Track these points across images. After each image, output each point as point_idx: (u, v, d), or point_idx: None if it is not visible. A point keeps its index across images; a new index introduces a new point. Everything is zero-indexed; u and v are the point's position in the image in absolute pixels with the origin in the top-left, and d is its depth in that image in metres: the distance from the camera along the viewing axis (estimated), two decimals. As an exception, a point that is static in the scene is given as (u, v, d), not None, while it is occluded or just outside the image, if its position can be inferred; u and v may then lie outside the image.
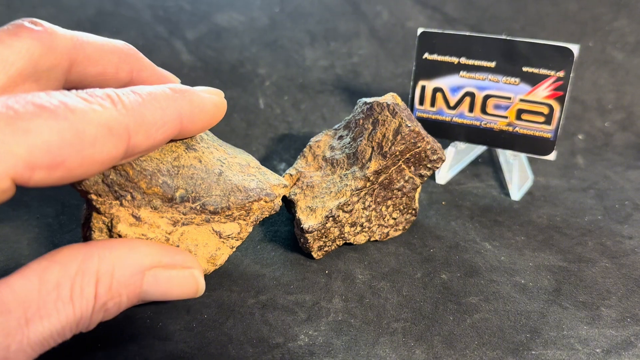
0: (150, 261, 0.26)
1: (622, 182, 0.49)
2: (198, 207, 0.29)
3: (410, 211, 0.39)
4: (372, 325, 0.31)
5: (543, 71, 0.43)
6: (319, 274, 0.35)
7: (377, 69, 0.64)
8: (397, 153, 0.35)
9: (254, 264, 0.36)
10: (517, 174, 0.46)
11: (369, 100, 0.36)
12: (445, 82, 0.46)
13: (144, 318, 0.31)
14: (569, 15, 0.62)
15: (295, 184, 0.37)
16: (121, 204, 0.28)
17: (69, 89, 0.26)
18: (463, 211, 0.43)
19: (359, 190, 0.35)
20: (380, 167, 0.35)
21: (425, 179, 0.37)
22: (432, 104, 0.47)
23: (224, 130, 0.56)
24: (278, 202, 0.32)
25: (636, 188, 0.48)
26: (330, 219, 0.35)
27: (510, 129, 0.45)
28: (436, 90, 0.46)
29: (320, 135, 0.39)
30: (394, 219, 0.38)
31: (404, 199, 0.38)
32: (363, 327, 0.30)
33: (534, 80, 0.43)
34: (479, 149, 0.51)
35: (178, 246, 0.30)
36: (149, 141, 0.24)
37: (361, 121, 0.36)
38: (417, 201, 0.39)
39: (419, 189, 0.39)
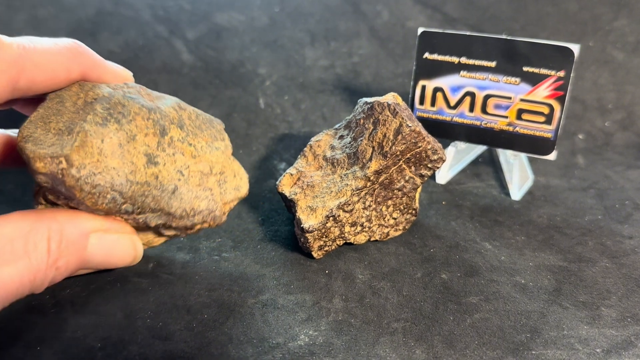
0: (93, 225, 0.29)
1: (623, 182, 0.49)
2: (140, 220, 0.30)
3: (410, 211, 0.39)
4: (373, 325, 0.31)
5: (543, 71, 0.43)
6: (319, 273, 0.35)
7: (378, 68, 0.64)
8: (398, 153, 0.35)
9: (254, 264, 0.36)
10: (518, 173, 0.46)
11: (369, 100, 0.36)
12: (445, 82, 0.46)
13: (144, 318, 0.31)
14: (569, 15, 0.62)
15: (295, 183, 0.37)
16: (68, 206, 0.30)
17: (17, 97, 0.28)
18: (463, 211, 0.43)
19: (359, 190, 0.35)
20: (380, 167, 0.35)
21: (426, 178, 0.37)
22: (433, 103, 0.47)
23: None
24: (224, 219, 0.33)
25: (636, 188, 0.48)
26: (331, 218, 0.35)
27: (511, 128, 0.45)
28: (436, 90, 0.46)
29: (321, 134, 0.39)
30: (394, 218, 0.38)
31: (404, 198, 0.38)
32: (363, 327, 0.30)
33: (534, 80, 0.43)
34: (479, 148, 0.51)
35: None
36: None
37: (362, 121, 0.36)
38: (417, 201, 0.39)
39: (419, 189, 0.39)
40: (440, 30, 0.45)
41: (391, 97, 0.36)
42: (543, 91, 0.43)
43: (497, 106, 0.45)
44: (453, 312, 0.32)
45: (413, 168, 0.36)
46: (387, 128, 0.35)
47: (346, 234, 0.36)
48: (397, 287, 0.34)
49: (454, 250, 0.38)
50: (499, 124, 0.45)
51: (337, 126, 0.39)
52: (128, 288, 0.33)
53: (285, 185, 0.37)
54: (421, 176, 0.37)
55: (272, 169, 0.49)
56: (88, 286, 0.33)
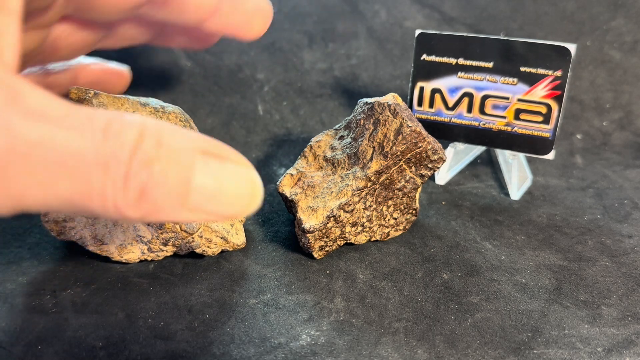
0: (202, 144, 0.20)
1: (621, 181, 0.50)
2: None
3: (410, 211, 0.39)
4: (374, 325, 0.31)
5: (541, 71, 0.43)
6: (320, 274, 0.35)
7: (376, 70, 0.64)
8: (398, 153, 0.35)
9: (255, 264, 0.36)
10: (516, 173, 0.46)
11: (369, 100, 0.36)
12: (443, 83, 0.46)
13: (146, 317, 0.31)
14: (567, 14, 0.62)
15: (296, 184, 0.37)
16: None
17: (73, 13, 0.27)
18: (463, 211, 0.43)
19: (360, 190, 0.35)
20: (381, 167, 0.35)
21: (426, 179, 0.37)
22: (431, 105, 0.47)
23: (224, 139, 0.56)
24: (197, 239, 0.34)
25: (635, 187, 0.48)
26: (332, 218, 0.35)
27: (509, 129, 0.45)
28: (434, 91, 0.46)
29: (321, 135, 0.39)
30: (395, 218, 0.38)
31: (404, 198, 0.38)
32: (365, 326, 0.30)
33: (531, 80, 0.43)
34: (478, 149, 0.51)
35: None
36: None
37: (362, 121, 0.36)
38: (417, 201, 0.39)
39: (419, 189, 0.39)
40: (438, 32, 0.45)
41: (391, 98, 0.36)
42: (540, 91, 0.43)
43: (495, 107, 0.45)
44: (454, 311, 0.32)
45: (413, 168, 0.37)
46: (387, 128, 0.35)
47: (347, 234, 0.36)
48: (398, 287, 0.34)
49: (454, 250, 0.38)
50: (497, 124, 0.45)
51: (337, 126, 0.39)
52: (129, 288, 0.33)
53: (286, 185, 0.37)
54: (421, 176, 0.37)
55: (272, 174, 0.49)
56: (89, 286, 0.33)
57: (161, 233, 0.33)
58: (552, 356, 0.29)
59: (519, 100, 0.44)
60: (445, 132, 0.47)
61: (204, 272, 0.35)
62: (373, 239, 0.38)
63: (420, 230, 0.40)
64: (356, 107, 0.38)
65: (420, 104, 0.47)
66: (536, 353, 0.29)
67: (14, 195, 0.17)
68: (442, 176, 0.48)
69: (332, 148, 0.38)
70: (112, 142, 0.18)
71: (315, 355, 0.28)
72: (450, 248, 0.38)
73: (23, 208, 0.18)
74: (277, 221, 0.41)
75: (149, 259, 0.35)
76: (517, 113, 0.44)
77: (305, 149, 0.38)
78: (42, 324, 0.30)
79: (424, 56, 0.46)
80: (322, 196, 0.36)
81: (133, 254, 0.35)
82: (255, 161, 0.52)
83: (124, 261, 0.35)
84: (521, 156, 0.48)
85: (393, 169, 0.36)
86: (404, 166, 0.36)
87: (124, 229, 0.34)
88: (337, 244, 0.36)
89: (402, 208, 0.38)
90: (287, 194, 0.37)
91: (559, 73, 0.42)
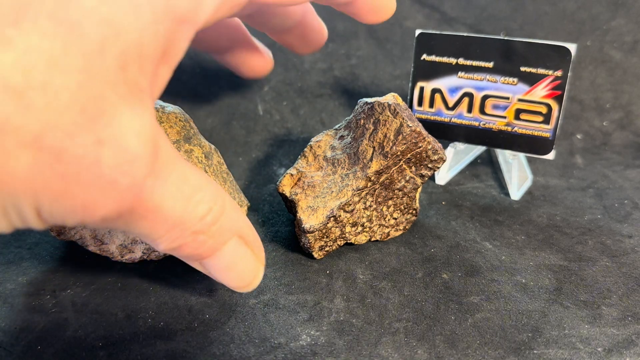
0: (242, 230, 0.26)
1: (621, 181, 0.49)
2: None
3: (411, 211, 0.39)
4: (374, 325, 0.31)
5: (541, 71, 0.43)
6: (320, 274, 0.35)
7: (376, 70, 0.64)
8: (399, 153, 0.35)
9: (255, 265, 0.36)
10: (516, 173, 0.46)
11: (370, 100, 0.36)
12: (443, 83, 0.46)
13: (146, 317, 0.31)
14: (567, 14, 0.62)
15: (296, 184, 0.37)
16: None
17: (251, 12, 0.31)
18: (463, 211, 0.43)
19: (360, 190, 0.35)
20: (381, 167, 0.35)
21: (427, 179, 0.37)
22: (431, 105, 0.47)
23: (224, 139, 0.56)
24: None
25: (635, 187, 0.48)
26: (332, 218, 0.35)
27: (509, 128, 0.45)
28: (434, 91, 0.46)
29: (321, 135, 0.39)
30: (395, 219, 0.38)
31: (404, 199, 0.38)
32: (365, 327, 0.30)
33: (532, 80, 0.43)
34: (478, 149, 0.51)
35: None
36: None
37: (362, 121, 0.36)
38: (417, 201, 0.39)
39: (419, 189, 0.39)
40: (438, 32, 0.45)
41: (391, 98, 0.36)
42: (541, 91, 0.43)
43: (495, 106, 0.45)
44: (454, 311, 0.32)
45: (414, 168, 0.36)
46: (387, 128, 0.35)
47: (347, 234, 0.36)
48: (398, 287, 0.34)
49: (454, 250, 0.38)
50: (497, 124, 0.45)
51: (337, 126, 0.39)
52: (129, 288, 0.33)
53: (286, 185, 0.37)
54: (422, 176, 0.37)
55: (272, 174, 0.49)
56: (89, 286, 0.33)
57: None
58: (552, 356, 0.29)
59: (519, 100, 0.44)
60: (445, 132, 0.47)
61: (204, 272, 0.35)
62: (373, 239, 0.38)
63: (420, 230, 0.40)
64: (356, 107, 0.38)
65: (420, 104, 0.47)
66: (536, 353, 0.29)
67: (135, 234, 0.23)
68: (442, 176, 0.48)
69: (332, 148, 0.38)
70: (191, 209, 0.23)
71: (315, 355, 0.28)
72: (450, 248, 0.38)
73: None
74: (277, 221, 0.41)
75: (150, 259, 0.35)
76: (518, 113, 0.44)
77: (305, 149, 0.38)
78: (42, 324, 0.30)
79: (424, 56, 0.46)
80: (322, 196, 0.36)
81: (133, 254, 0.35)
82: (255, 161, 0.52)
83: (124, 261, 0.35)
84: (521, 156, 0.48)
85: (393, 169, 0.36)
86: (404, 166, 0.36)
87: None
88: (337, 244, 0.36)
89: (402, 208, 0.38)
90: (287, 194, 0.37)
91: (559, 73, 0.42)
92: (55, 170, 0.18)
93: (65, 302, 0.32)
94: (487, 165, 0.52)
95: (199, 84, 0.61)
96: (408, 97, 0.47)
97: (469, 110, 0.46)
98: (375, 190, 0.36)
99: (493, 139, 0.46)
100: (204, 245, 0.24)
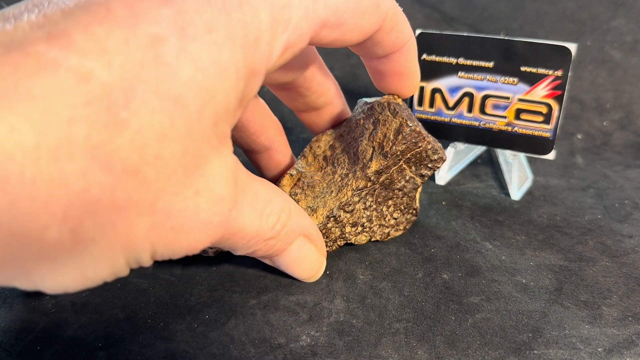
0: (306, 230, 0.31)
1: (622, 181, 0.49)
2: None
3: (411, 211, 0.39)
4: (374, 326, 0.31)
5: (541, 70, 0.43)
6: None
7: (376, 69, 0.64)
8: (398, 153, 0.35)
9: (255, 265, 0.36)
10: (517, 173, 0.46)
11: (369, 100, 0.36)
12: (443, 83, 0.46)
13: (146, 318, 0.30)
14: (567, 14, 0.62)
15: (296, 184, 0.37)
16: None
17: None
18: (463, 211, 0.43)
19: (360, 190, 0.35)
20: (381, 167, 0.35)
21: (426, 178, 0.37)
22: (431, 104, 0.47)
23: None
24: None
25: (635, 187, 0.48)
26: (332, 219, 0.35)
27: (509, 128, 0.45)
28: (435, 91, 0.46)
29: (321, 135, 0.39)
30: (395, 219, 0.38)
31: (404, 198, 0.38)
32: (365, 327, 0.30)
33: (532, 80, 0.43)
34: (478, 149, 0.51)
35: None
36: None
37: (362, 121, 0.36)
38: (417, 201, 0.39)
39: (419, 189, 0.39)
40: (438, 32, 0.45)
41: (391, 97, 0.36)
42: (541, 91, 0.43)
43: (496, 106, 0.45)
44: (454, 312, 0.32)
45: (413, 168, 0.36)
46: (387, 128, 0.35)
47: (347, 235, 0.36)
48: (399, 287, 0.34)
49: (454, 250, 0.38)
50: (497, 124, 0.45)
51: (336, 126, 0.39)
52: (128, 288, 0.33)
53: (286, 185, 0.37)
54: (421, 176, 0.37)
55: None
56: (88, 287, 0.33)
57: None
58: (552, 356, 0.28)
59: (520, 100, 0.44)
60: (445, 132, 0.47)
61: (203, 272, 0.35)
62: (373, 239, 0.38)
63: (420, 230, 0.40)
64: (356, 107, 0.38)
65: (420, 103, 0.47)
66: (537, 353, 0.29)
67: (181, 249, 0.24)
68: (443, 176, 0.48)
69: (332, 148, 0.38)
70: (264, 222, 0.27)
71: (315, 355, 0.28)
72: (450, 248, 0.38)
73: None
74: (277, 221, 0.41)
75: None
76: (518, 113, 0.44)
77: (305, 149, 0.38)
78: (42, 324, 0.30)
79: (424, 56, 0.46)
80: (322, 196, 0.36)
81: None
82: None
83: None
84: (522, 156, 0.48)
85: (393, 168, 0.36)
86: (403, 166, 0.36)
87: None
88: (337, 244, 0.36)
89: (402, 208, 0.38)
90: (287, 195, 0.37)
91: (559, 73, 0.42)
92: (167, 225, 0.21)
93: (64, 302, 0.32)
94: (488, 165, 0.52)
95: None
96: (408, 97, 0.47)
97: (469, 110, 0.46)
98: (375, 190, 0.36)
99: (493, 139, 0.46)
100: (274, 247, 0.29)
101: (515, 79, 0.44)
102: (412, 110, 0.47)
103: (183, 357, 0.28)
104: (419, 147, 0.35)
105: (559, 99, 0.42)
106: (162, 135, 0.19)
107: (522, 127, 0.44)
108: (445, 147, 0.48)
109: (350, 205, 0.35)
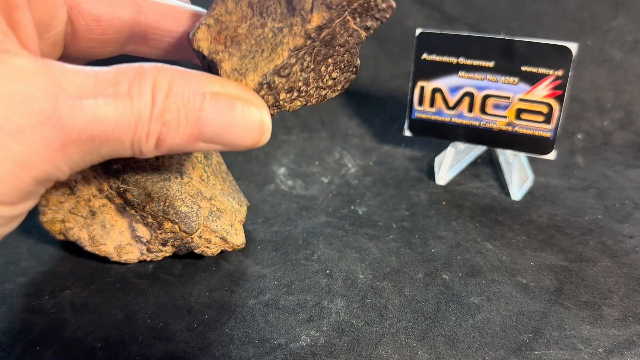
0: (214, 88, 0.25)
1: (622, 181, 0.49)
2: (121, 188, 0.33)
3: (351, 69, 0.32)
4: (374, 326, 0.30)
5: (542, 70, 0.43)
6: (320, 274, 0.35)
7: (376, 70, 0.64)
8: (344, 3, 0.28)
9: (255, 265, 0.36)
10: (517, 173, 0.46)
11: None
12: (444, 83, 0.46)
13: (145, 318, 0.30)
14: (568, 14, 0.62)
15: (215, 38, 0.29)
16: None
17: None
18: (464, 211, 0.43)
19: (298, 50, 0.29)
20: (324, 22, 0.28)
21: (371, 31, 0.31)
22: (432, 104, 0.47)
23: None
24: (196, 239, 0.34)
25: (636, 187, 0.48)
26: (265, 85, 0.29)
27: (510, 128, 0.45)
28: (435, 90, 0.46)
29: None
30: (333, 79, 0.32)
31: (346, 55, 0.31)
32: (365, 327, 0.30)
33: (532, 80, 0.43)
34: (479, 149, 0.51)
35: (94, 213, 0.34)
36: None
37: None
38: (358, 58, 0.32)
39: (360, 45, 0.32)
40: (438, 31, 0.45)
41: None
42: (541, 90, 0.43)
43: (496, 106, 0.45)
44: (455, 312, 0.32)
45: (358, 20, 0.30)
46: None
47: (281, 102, 0.31)
48: (399, 287, 0.34)
49: (455, 250, 0.38)
50: (498, 124, 0.45)
51: None
52: (128, 289, 0.33)
53: (203, 40, 0.30)
54: (367, 29, 0.31)
55: (272, 174, 0.49)
56: (88, 286, 0.33)
57: (160, 233, 0.33)
58: (553, 357, 0.28)
59: (520, 99, 0.44)
60: (446, 132, 0.47)
61: (203, 272, 0.35)
62: (309, 104, 0.33)
63: (420, 230, 0.40)
64: None
65: (420, 103, 0.47)
66: (537, 354, 0.29)
67: (71, 166, 0.22)
68: (443, 176, 0.48)
69: None
70: (136, 106, 0.22)
71: (315, 356, 0.28)
72: (450, 248, 0.38)
73: (75, 170, 0.23)
74: (277, 221, 0.41)
75: (148, 259, 0.35)
76: (518, 113, 0.44)
77: None
78: (41, 324, 0.30)
79: (425, 55, 0.46)
80: (251, 56, 0.29)
81: (132, 254, 0.34)
82: (255, 161, 0.52)
83: (122, 262, 0.35)
84: (522, 156, 0.48)
85: (336, 21, 0.29)
86: (348, 17, 0.30)
87: (121, 229, 0.34)
88: (270, 114, 0.30)
89: (342, 67, 0.32)
90: (205, 52, 0.30)
91: (560, 72, 0.42)
92: None
93: (64, 303, 0.32)
94: (488, 165, 0.52)
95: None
96: (408, 97, 0.47)
97: (470, 109, 0.45)
98: (314, 49, 0.30)
99: (494, 139, 0.46)
100: (183, 124, 0.24)
101: (516, 79, 0.44)
102: (412, 110, 0.47)
103: (182, 357, 0.28)
104: None
105: (559, 98, 0.42)
106: None
107: (523, 127, 0.44)
108: (445, 147, 0.48)
109: (286, 68, 0.29)
